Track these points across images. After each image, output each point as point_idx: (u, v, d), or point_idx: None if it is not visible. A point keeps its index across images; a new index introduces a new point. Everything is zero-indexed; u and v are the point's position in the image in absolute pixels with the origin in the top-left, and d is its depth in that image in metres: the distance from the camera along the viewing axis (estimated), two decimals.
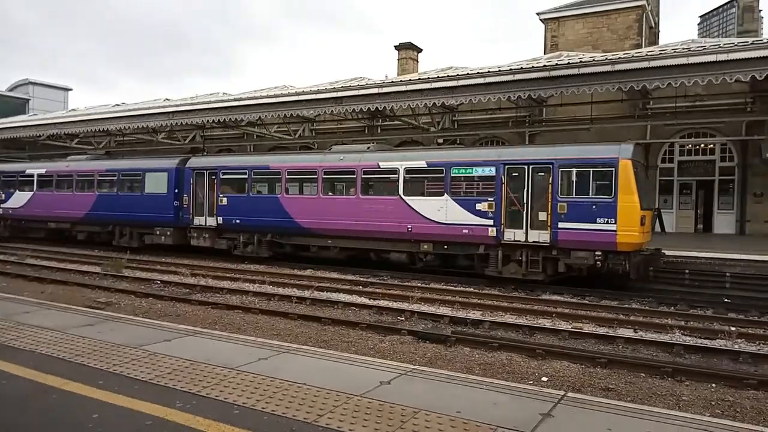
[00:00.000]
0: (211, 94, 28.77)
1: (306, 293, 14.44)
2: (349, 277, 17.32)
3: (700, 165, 24.61)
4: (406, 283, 16.10)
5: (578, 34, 27.52)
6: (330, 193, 18.88)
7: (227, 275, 17.42)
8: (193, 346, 6.55)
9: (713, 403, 7.17)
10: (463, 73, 18.92)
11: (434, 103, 19.82)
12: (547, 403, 4.56)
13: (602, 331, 10.89)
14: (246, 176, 20.01)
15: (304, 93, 21.73)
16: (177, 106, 25.35)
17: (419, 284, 15.97)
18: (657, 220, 22.92)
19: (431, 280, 16.76)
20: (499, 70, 17.94)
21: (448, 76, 19.06)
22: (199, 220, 20.73)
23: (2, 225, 27.96)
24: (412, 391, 4.98)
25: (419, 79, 19.87)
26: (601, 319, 11.89)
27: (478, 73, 18.36)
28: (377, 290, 15.02)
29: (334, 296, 14.24)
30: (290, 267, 19.17)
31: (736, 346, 9.75)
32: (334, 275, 17.66)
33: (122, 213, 22.19)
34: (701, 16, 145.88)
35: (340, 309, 12.90)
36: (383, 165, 17.59)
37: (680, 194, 25.15)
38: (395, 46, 35.43)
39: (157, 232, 21.26)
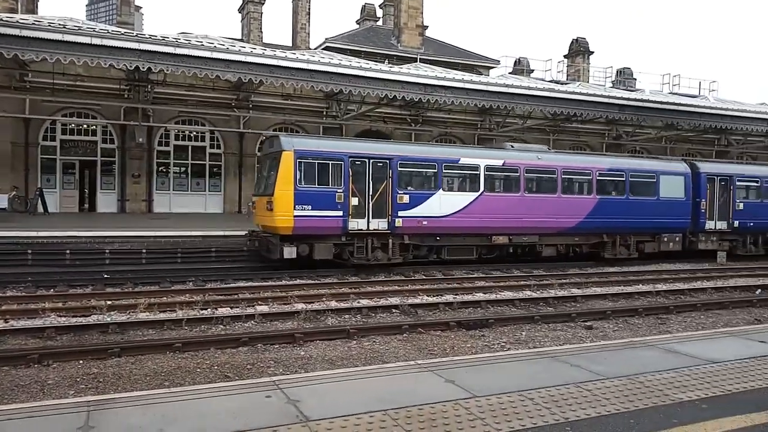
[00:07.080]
0: None
1: None
2: None
3: (83, 145, 24.79)
4: None
5: None
6: None
7: None
8: None
9: (78, 379, 7.33)
10: None
11: None
12: None
13: None
14: None
15: None
16: None
17: None
18: (39, 200, 21.96)
19: None
20: None
21: None
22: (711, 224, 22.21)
23: (394, 245, 16.61)
24: None
25: None
26: None
27: None
28: None
29: None
30: None
31: (109, 319, 10.34)
32: None
33: (627, 219, 20.27)
34: (91, 0, 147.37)
35: None
36: None
37: (64, 174, 24.73)
38: None
39: (665, 239, 20.92)
